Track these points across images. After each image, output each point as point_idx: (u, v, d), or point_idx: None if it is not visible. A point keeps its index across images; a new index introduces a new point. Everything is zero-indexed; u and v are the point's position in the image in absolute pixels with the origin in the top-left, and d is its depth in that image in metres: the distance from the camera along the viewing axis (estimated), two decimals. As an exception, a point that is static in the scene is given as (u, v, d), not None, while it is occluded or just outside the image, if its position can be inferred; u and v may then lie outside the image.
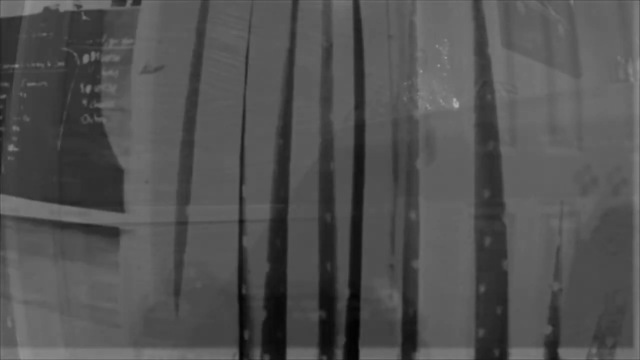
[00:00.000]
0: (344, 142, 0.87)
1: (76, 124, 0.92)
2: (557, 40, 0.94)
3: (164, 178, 0.89)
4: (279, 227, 0.88)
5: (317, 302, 0.88)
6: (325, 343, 0.88)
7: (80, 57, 0.93)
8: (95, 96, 0.92)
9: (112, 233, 0.90)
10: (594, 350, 0.93)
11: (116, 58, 0.91)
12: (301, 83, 0.88)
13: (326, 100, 0.88)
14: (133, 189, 0.90)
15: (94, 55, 0.92)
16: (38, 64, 0.96)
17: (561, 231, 0.91)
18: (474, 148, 0.87)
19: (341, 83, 0.88)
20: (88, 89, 0.92)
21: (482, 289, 0.88)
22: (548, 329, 0.91)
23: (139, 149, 0.90)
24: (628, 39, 0.97)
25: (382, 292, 0.87)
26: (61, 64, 0.94)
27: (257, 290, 0.88)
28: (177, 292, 0.89)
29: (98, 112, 0.91)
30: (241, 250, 0.88)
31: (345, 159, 0.87)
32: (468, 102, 0.88)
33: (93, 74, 0.92)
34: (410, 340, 0.87)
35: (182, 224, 0.89)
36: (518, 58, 0.91)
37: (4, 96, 0.98)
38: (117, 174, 0.90)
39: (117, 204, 0.90)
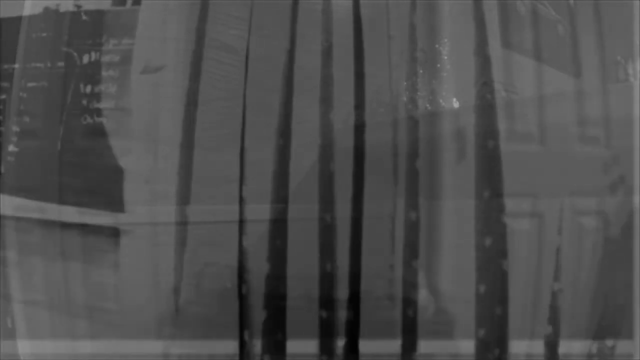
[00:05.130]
0: (344, 142, 0.87)
1: (76, 124, 0.92)
2: (557, 40, 0.94)
3: (164, 178, 0.89)
4: (279, 227, 0.88)
5: (317, 302, 0.87)
6: (325, 343, 0.88)
7: (80, 57, 0.93)
8: (95, 96, 0.92)
9: (111, 233, 0.90)
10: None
11: (116, 58, 0.91)
12: (301, 83, 0.88)
13: (326, 100, 0.88)
14: (133, 189, 0.90)
15: (94, 55, 0.92)
16: (38, 64, 0.96)
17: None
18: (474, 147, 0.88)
19: (341, 83, 0.88)
20: (88, 89, 0.92)
21: (482, 288, 0.88)
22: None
23: (139, 149, 0.90)
24: (628, 39, 0.97)
25: (382, 292, 0.87)
26: (61, 64, 0.94)
27: (257, 290, 0.88)
28: (176, 293, 0.89)
29: (98, 112, 0.91)
30: (241, 250, 0.88)
31: (345, 159, 0.87)
32: (468, 102, 0.88)
33: (93, 74, 0.92)
34: (409, 340, 0.87)
35: (182, 224, 0.89)
36: (518, 58, 0.91)
37: (4, 96, 0.98)
38: (117, 174, 0.90)
39: (116, 204, 0.90)
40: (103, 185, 0.91)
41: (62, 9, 0.95)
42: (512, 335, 0.89)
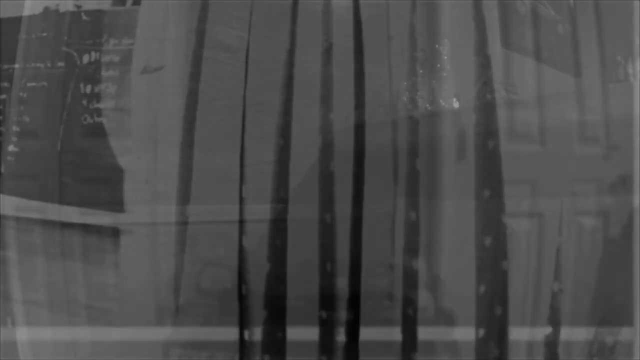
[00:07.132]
0: (344, 142, 0.87)
1: (76, 124, 0.92)
2: (557, 40, 0.94)
3: (164, 178, 0.89)
4: (279, 227, 0.88)
5: (317, 302, 0.87)
6: (325, 343, 0.88)
7: (80, 57, 0.93)
8: (95, 96, 0.92)
9: (111, 233, 0.90)
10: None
11: (116, 58, 0.91)
12: (301, 83, 0.88)
13: (326, 100, 0.88)
14: (133, 189, 0.90)
15: (94, 55, 0.92)
16: (38, 64, 0.96)
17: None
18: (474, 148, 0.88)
19: (341, 83, 0.88)
20: (88, 89, 0.92)
21: (482, 288, 0.88)
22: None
23: (139, 149, 0.90)
24: (628, 39, 0.97)
25: (382, 292, 0.87)
26: (61, 64, 0.94)
27: (257, 290, 0.88)
28: (176, 293, 0.89)
29: (98, 112, 0.91)
30: (241, 250, 0.88)
31: (345, 159, 0.87)
32: (468, 102, 0.88)
33: (93, 74, 0.92)
34: (410, 340, 0.87)
35: (182, 224, 0.89)
36: (518, 58, 0.91)
37: (4, 96, 0.98)
38: (116, 174, 0.90)
39: (116, 204, 0.90)
40: (103, 185, 0.91)
41: (62, 9, 0.95)
42: (512, 336, 0.89)
